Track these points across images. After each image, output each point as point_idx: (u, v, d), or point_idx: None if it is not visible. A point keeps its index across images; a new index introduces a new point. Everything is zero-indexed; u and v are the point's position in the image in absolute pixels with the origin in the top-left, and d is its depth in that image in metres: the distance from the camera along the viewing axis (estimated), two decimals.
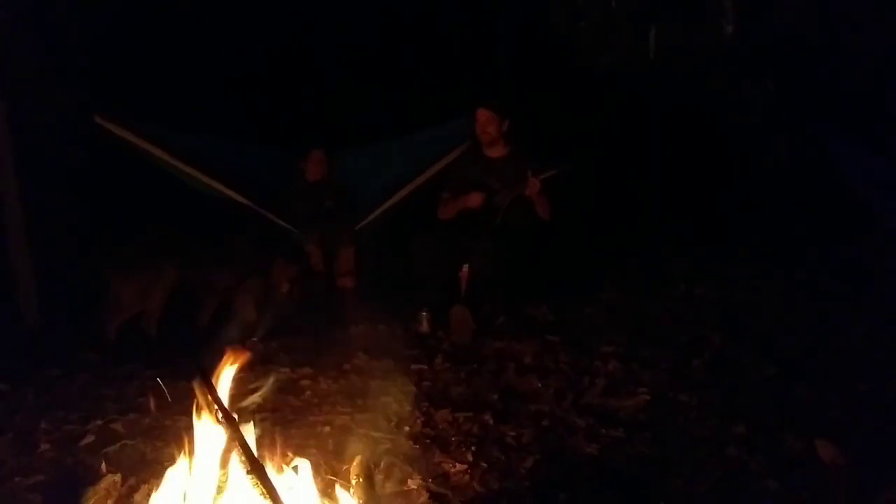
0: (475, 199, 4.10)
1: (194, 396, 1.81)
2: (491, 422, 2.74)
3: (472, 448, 2.52)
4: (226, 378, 1.92)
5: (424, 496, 2.20)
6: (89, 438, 2.66)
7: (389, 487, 2.25)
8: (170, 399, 2.59)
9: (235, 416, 1.82)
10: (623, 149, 5.61)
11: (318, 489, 1.90)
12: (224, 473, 1.81)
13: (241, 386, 2.01)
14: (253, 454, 1.76)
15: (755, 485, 2.25)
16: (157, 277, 3.79)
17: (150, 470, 2.36)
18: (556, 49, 5.61)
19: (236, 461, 1.76)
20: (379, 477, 2.25)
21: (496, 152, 4.22)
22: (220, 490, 1.86)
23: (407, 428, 2.72)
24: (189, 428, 1.86)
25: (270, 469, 1.78)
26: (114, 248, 3.85)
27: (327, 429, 2.71)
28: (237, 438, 1.76)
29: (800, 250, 4.75)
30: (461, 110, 4.49)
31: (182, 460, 1.87)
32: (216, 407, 1.79)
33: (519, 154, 4.18)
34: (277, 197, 4.82)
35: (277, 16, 6.12)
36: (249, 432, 1.82)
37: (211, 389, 1.79)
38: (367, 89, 6.14)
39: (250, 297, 4.01)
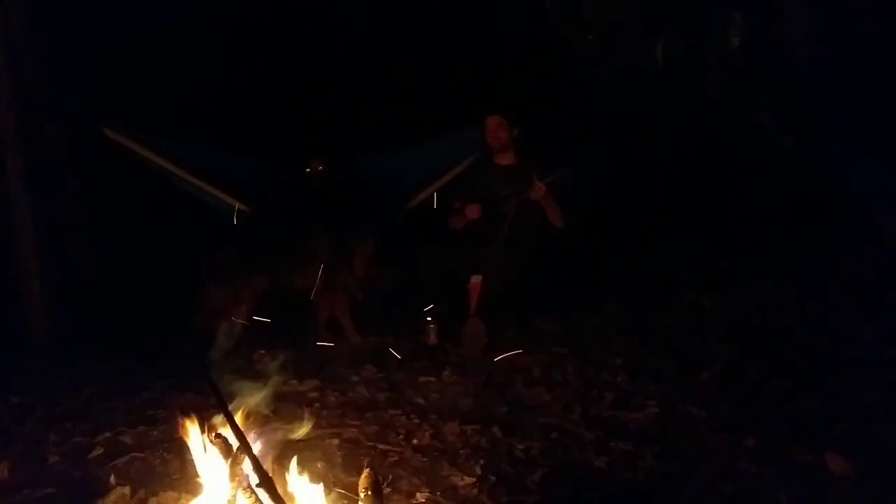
0: (473, 211, 4.06)
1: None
2: (499, 434, 2.74)
3: (481, 461, 2.52)
4: None
5: None
6: (98, 451, 2.67)
7: (397, 500, 2.24)
8: None
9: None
10: (630, 159, 5.59)
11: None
12: (233, 487, 1.82)
13: None
14: (262, 467, 1.76)
15: (766, 499, 2.24)
16: (246, 285, 3.79)
17: (160, 482, 2.37)
18: (562, 57, 5.62)
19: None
20: (387, 490, 2.25)
21: (506, 160, 4.23)
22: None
23: (415, 440, 2.72)
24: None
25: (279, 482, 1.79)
26: (207, 256, 3.89)
27: (335, 441, 2.71)
28: (247, 451, 1.77)
29: (807, 261, 4.73)
30: (469, 118, 4.49)
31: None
32: (225, 418, 1.80)
33: (526, 162, 4.19)
34: (281, 206, 4.80)
35: (286, 26, 6.15)
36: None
37: (221, 404, 1.80)
38: (374, 97, 6.14)
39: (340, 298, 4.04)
